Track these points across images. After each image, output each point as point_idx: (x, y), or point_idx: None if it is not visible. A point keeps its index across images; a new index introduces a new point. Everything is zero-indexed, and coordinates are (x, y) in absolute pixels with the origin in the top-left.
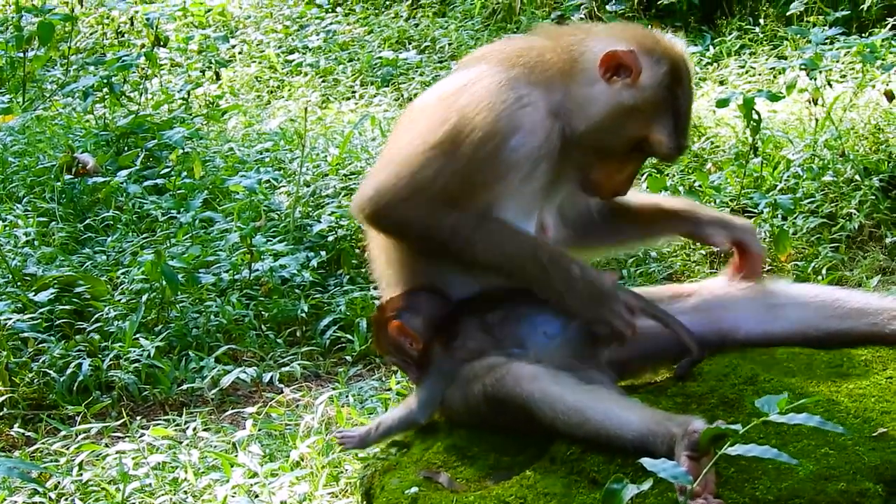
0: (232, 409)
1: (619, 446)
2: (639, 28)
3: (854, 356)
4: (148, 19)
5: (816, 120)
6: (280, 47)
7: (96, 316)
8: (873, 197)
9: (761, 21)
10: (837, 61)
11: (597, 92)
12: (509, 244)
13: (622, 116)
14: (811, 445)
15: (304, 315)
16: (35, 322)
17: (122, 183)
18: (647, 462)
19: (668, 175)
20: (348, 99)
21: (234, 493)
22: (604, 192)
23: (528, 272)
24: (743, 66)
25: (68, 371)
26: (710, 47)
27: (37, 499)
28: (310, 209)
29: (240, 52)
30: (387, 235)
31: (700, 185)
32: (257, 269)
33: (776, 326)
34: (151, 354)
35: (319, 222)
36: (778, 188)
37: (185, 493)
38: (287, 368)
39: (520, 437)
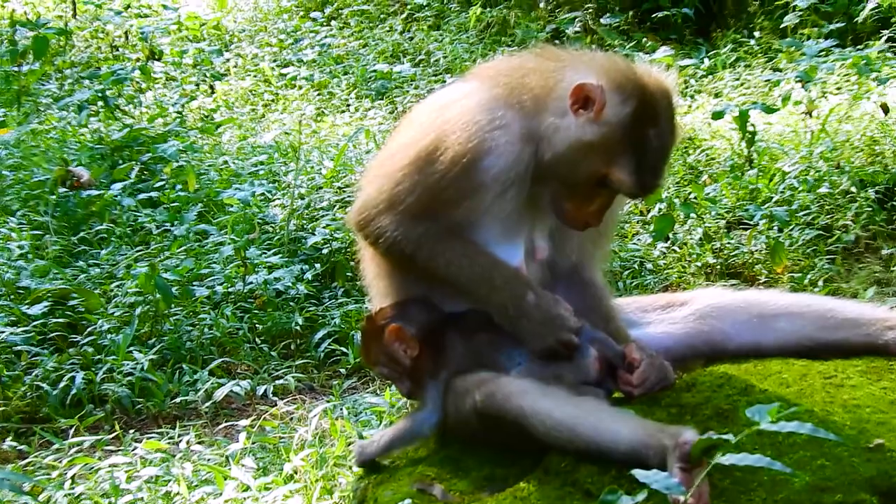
0: (226, 422)
1: (612, 458)
2: (623, 63)
3: (849, 367)
4: (142, 33)
5: (812, 132)
6: (275, 61)
7: (90, 329)
8: (869, 209)
9: (756, 33)
10: (832, 73)
11: (565, 123)
12: (467, 261)
13: (583, 151)
14: (807, 456)
15: (298, 328)
16: (28, 335)
17: (116, 196)
18: (639, 474)
19: (663, 188)
20: (343, 112)
21: None
22: (574, 223)
23: (482, 292)
24: (738, 79)
25: (61, 384)
26: (706, 60)
27: None
28: (304, 222)
29: (234, 66)
30: (370, 246)
31: (695, 198)
32: (251, 282)
33: (769, 337)
34: (145, 367)
35: (314, 235)
36: (773, 200)
37: None
38: (281, 381)
39: (513, 450)
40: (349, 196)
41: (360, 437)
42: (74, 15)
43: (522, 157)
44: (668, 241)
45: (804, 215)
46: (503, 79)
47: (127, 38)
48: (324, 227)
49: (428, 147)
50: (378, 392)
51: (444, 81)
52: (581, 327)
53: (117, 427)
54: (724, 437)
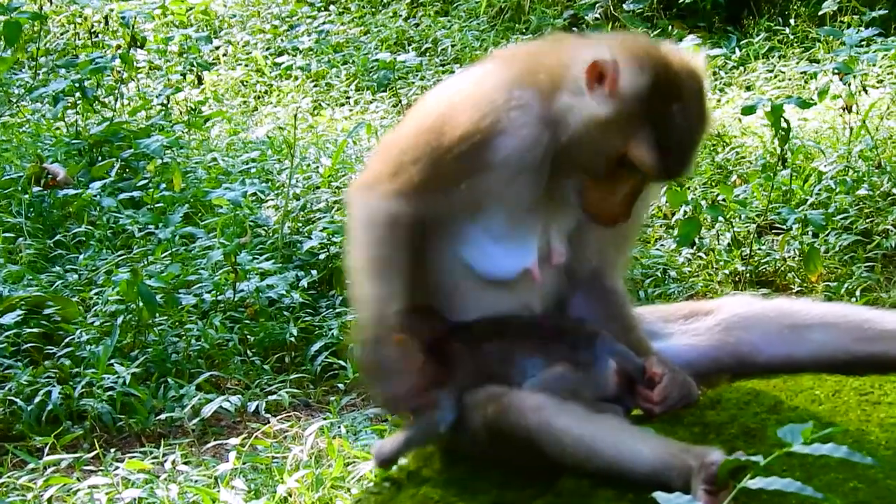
0: (214, 440)
1: (632, 480)
2: (645, 39)
3: (886, 382)
4: (124, 18)
5: (851, 129)
6: (268, 49)
7: (67, 340)
8: None
9: (791, 21)
10: (874, 65)
11: (580, 102)
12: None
13: (599, 128)
14: (839, 479)
15: (292, 339)
16: (1, 346)
17: (95, 196)
18: (661, 497)
19: (689, 189)
20: (342, 105)
21: None
22: (601, 218)
23: None
24: (771, 70)
25: (37, 399)
26: (736, 49)
27: None
28: (300, 225)
29: (224, 54)
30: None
31: (724, 200)
32: (242, 290)
33: (801, 349)
34: (127, 381)
35: (310, 239)
36: (808, 203)
37: None
38: (274, 397)
39: (524, 471)
40: None
41: (357, 456)
42: None
43: (540, 141)
44: (694, 247)
45: (841, 219)
46: (520, 61)
47: (107, 23)
48: (321, 231)
49: (438, 121)
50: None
51: (453, 72)
52: (598, 338)
53: (97, 445)
54: (753, 458)
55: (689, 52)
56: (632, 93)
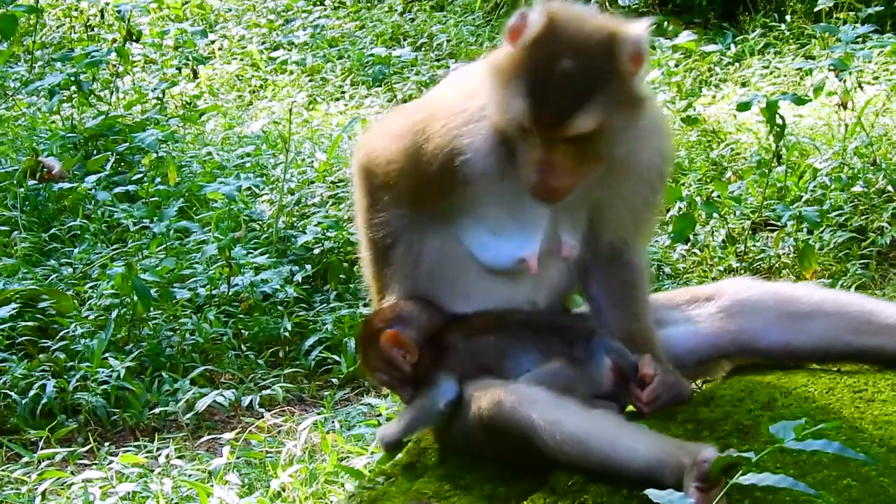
0: (208, 434)
1: (625, 476)
2: (578, 5)
3: (880, 380)
4: (119, 12)
5: (846, 125)
6: (263, 43)
7: (62, 333)
8: None
9: (787, 18)
10: (869, 62)
11: None
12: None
13: (496, 83)
14: (832, 476)
15: (287, 334)
16: None
17: (90, 189)
18: (653, 494)
19: (683, 185)
20: (337, 99)
21: None
22: (532, 191)
23: None
24: (767, 67)
25: (31, 393)
26: (732, 46)
27: None
28: (294, 219)
29: (219, 49)
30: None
31: (718, 196)
32: (237, 284)
33: (799, 339)
34: (121, 375)
35: (304, 234)
36: (803, 199)
37: None
38: (268, 391)
39: (518, 466)
40: (343, 191)
41: (351, 451)
42: None
43: (496, 145)
44: (689, 244)
45: (836, 216)
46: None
47: (102, 16)
48: (315, 226)
49: (419, 132)
50: (373, 403)
51: (448, 67)
52: (595, 335)
53: (91, 439)
54: (745, 454)
55: (629, 22)
56: (523, 42)
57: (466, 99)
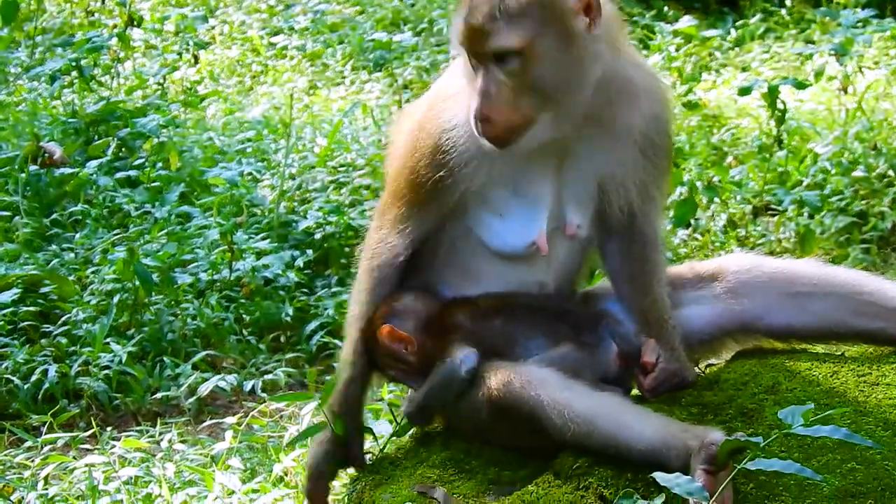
0: (210, 419)
1: (631, 458)
2: None
3: (884, 364)
4: None
5: (847, 110)
6: (264, 28)
7: (63, 318)
8: None
9: (787, 2)
10: (870, 46)
11: None
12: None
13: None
14: (836, 460)
15: (288, 319)
16: None
17: (91, 175)
18: (659, 476)
19: (685, 170)
20: (338, 85)
21: None
22: (474, 124)
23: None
24: (767, 52)
25: (33, 378)
26: (732, 31)
27: None
28: (295, 204)
29: (220, 34)
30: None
31: (719, 181)
32: (238, 269)
33: (801, 319)
34: (123, 360)
35: (306, 218)
36: (804, 184)
37: None
38: (270, 376)
39: (523, 450)
40: (343, 176)
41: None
42: None
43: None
44: (690, 228)
45: (837, 201)
46: None
47: (103, 2)
48: (316, 210)
49: (417, 127)
50: (375, 388)
51: (448, 52)
52: (602, 320)
53: (94, 424)
54: (753, 439)
55: None
56: None
57: (457, 80)
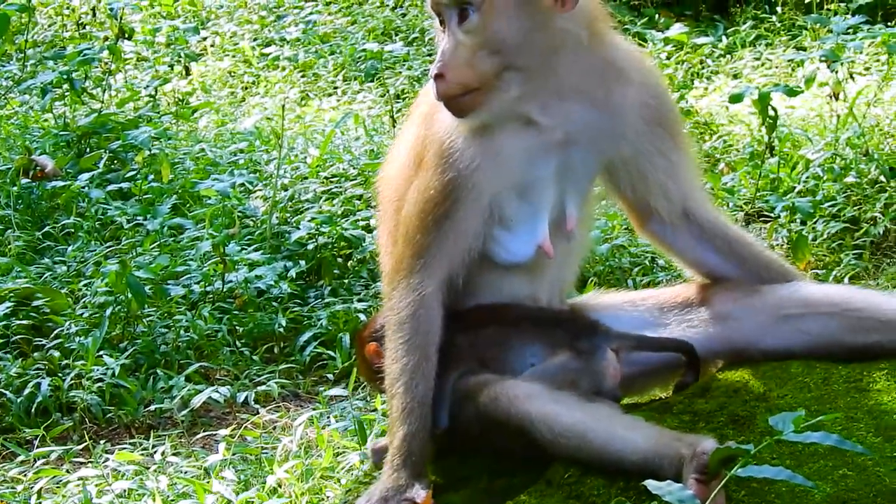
0: (204, 431)
1: (623, 468)
2: None
3: (874, 370)
4: (111, 9)
5: (838, 116)
6: (255, 39)
7: (56, 331)
8: None
9: (778, 9)
10: (861, 52)
11: None
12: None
13: None
14: (828, 466)
15: (281, 330)
16: None
17: (83, 187)
18: (651, 485)
19: None
20: (330, 95)
21: None
22: (433, 84)
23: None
24: (758, 59)
25: (26, 391)
26: (723, 38)
27: None
28: (288, 215)
29: (211, 45)
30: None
31: (711, 188)
32: (231, 281)
33: (795, 341)
34: (116, 373)
35: (298, 229)
36: (796, 190)
37: None
38: (263, 388)
39: (515, 460)
40: (336, 187)
41: (347, 447)
42: None
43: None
44: None
45: (829, 207)
46: None
47: (94, 14)
48: (309, 221)
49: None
50: (369, 398)
51: None
52: (598, 328)
53: (87, 437)
54: (744, 446)
55: None
56: None
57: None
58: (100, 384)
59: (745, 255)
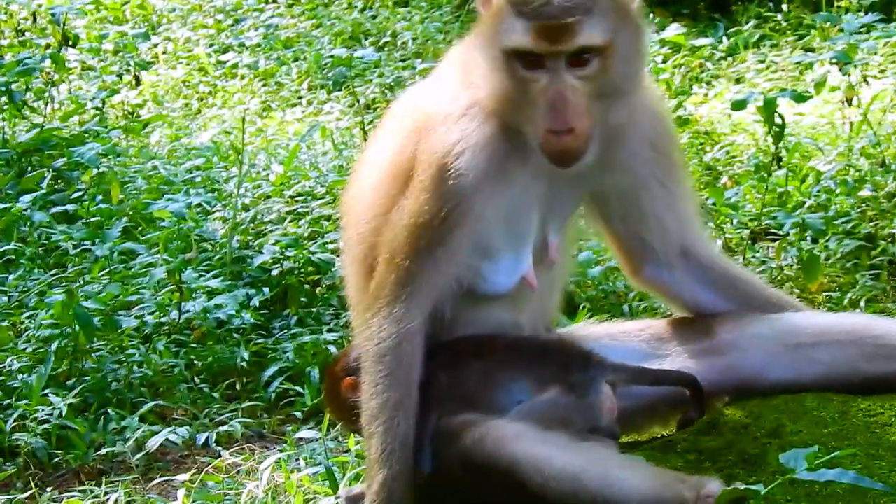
0: (160, 476)
1: None
2: None
3: None
4: (54, 15)
5: (851, 123)
6: (212, 45)
7: None
8: None
9: (784, 7)
10: (875, 53)
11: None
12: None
13: (481, 45)
14: None
15: (244, 364)
16: None
17: (25, 210)
18: None
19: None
20: (294, 106)
21: None
22: (548, 137)
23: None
24: (763, 61)
25: None
26: (724, 39)
27: None
28: (250, 238)
29: (163, 52)
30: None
31: (714, 203)
32: (188, 311)
33: (808, 371)
34: (63, 413)
35: (261, 253)
36: (806, 205)
37: None
38: (225, 428)
39: None
40: (301, 206)
41: (318, 491)
42: None
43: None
44: None
45: (843, 223)
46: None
47: (35, 20)
48: (273, 244)
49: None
50: (341, 439)
51: (414, 68)
52: (592, 358)
53: (32, 484)
54: (753, 487)
55: None
56: None
57: (453, 98)
58: (45, 426)
59: (751, 295)
